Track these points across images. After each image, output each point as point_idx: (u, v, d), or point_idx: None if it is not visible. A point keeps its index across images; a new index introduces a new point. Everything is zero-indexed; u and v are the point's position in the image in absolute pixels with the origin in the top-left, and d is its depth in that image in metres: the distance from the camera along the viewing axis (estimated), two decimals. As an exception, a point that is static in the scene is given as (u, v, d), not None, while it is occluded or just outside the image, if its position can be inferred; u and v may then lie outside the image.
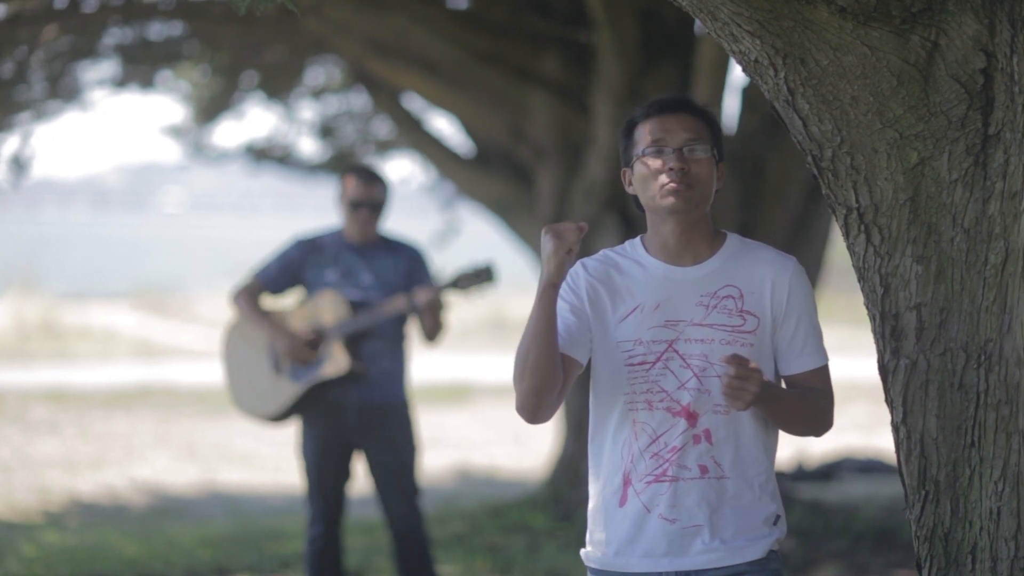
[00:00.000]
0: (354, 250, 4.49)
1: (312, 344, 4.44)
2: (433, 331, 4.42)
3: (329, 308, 4.45)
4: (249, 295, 4.56)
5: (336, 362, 4.39)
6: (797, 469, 7.96)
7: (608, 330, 2.45)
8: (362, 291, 4.44)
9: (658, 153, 2.42)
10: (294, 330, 4.46)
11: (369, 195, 4.47)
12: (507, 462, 9.54)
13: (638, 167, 2.45)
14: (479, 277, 4.39)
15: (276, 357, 4.52)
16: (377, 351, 4.44)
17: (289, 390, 4.46)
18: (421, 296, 4.31)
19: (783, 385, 2.53)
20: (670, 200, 2.41)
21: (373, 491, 4.51)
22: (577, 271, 2.49)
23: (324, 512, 4.45)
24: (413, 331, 4.56)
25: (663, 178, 2.41)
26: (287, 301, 4.68)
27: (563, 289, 2.47)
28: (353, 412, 4.41)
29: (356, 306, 4.42)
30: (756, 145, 5.64)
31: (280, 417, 4.54)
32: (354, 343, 4.40)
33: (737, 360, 2.31)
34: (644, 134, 2.45)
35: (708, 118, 2.48)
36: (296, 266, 4.52)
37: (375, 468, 4.45)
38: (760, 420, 2.46)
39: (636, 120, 2.48)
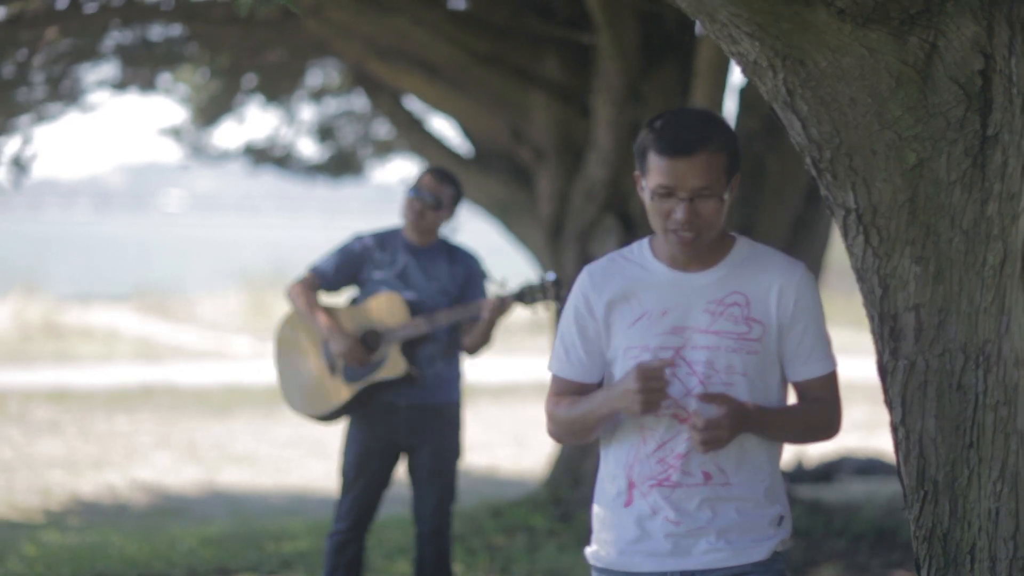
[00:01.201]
0: (412, 251, 4.46)
1: (370, 345, 4.41)
2: (480, 343, 4.39)
3: (388, 310, 4.39)
4: (306, 290, 4.46)
5: (394, 365, 4.35)
6: (797, 469, 7.97)
7: (616, 336, 2.44)
8: (417, 294, 4.42)
9: (667, 197, 2.38)
10: (352, 331, 4.40)
11: (433, 188, 4.44)
12: (507, 462, 9.55)
13: (647, 198, 2.42)
14: (545, 292, 4.35)
15: (331, 356, 4.46)
16: (432, 355, 4.42)
17: (344, 391, 4.42)
18: (489, 307, 4.30)
19: (792, 390, 2.52)
20: (676, 247, 2.40)
21: (411, 489, 4.49)
22: (584, 282, 2.47)
23: (351, 512, 4.43)
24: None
25: (671, 223, 2.38)
26: (338, 299, 4.61)
27: (577, 307, 2.46)
28: (404, 413, 4.40)
29: (415, 310, 4.40)
30: (755, 146, 5.64)
31: (332, 417, 4.49)
32: (410, 347, 4.39)
33: (703, 415, 2.31)
34: (655, 170, 2.38)
35: (723, 145, 2.41)
36: (355, 263, 4.45)
37: (417, 469, 4.44)
38: None
39: (648, 149, 2.40)
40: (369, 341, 4.40)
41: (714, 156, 2.39)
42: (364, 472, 4.42)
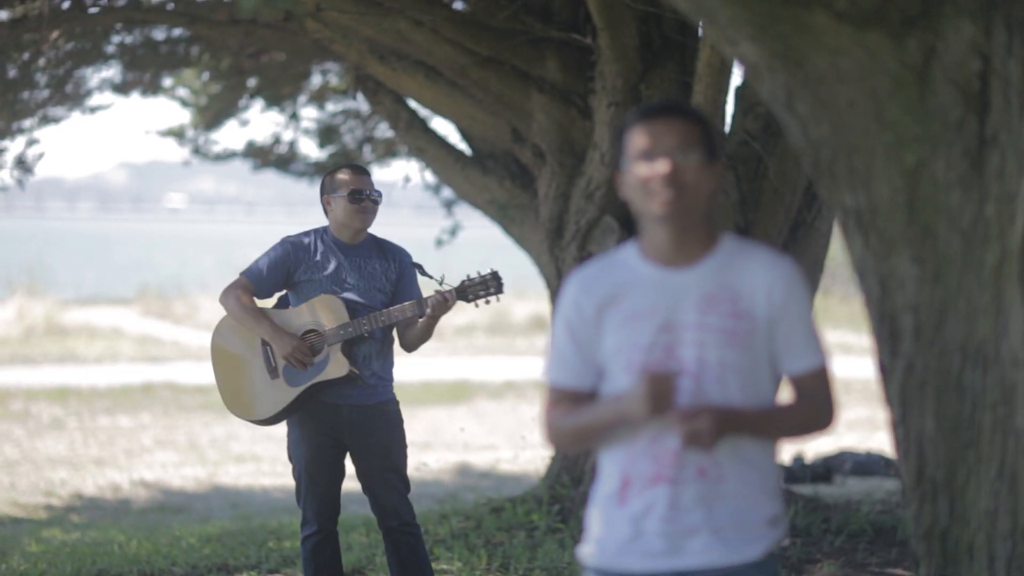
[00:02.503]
0: (344, 250, 4.44)
1: (313, 348, 4.42)
2: (422, 341, 4.42)
3: (327, 312, 4.39)
4: (242, 295, 4.44)
5: (337, 366, 4.37)
6: (796, 466, 7.98)
7: (608, 338, 2.45)
8: (353, 293, 4.42)
9: (647, 161, 2.39)
10: (293, 334, 4.41)
11: (370, 186, 4.45)
12: (507, 460, 9.57)
13: (628, 175, 2.43)
14: (487, 287, 4.38)
15: (271, 359, 4.47)
16: (368, 354, 4.42)
17: (286, 393, 4.43)
18: (432, 305, 4.29)
19: (786, 385, 2.53)
20: (660, 208, 2.39)
21: (363, 490, 4.50)
22: (574, 288, 2.47)
23: (318, 512, 4.43)
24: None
25: (653, 186, 2.38)
26: (271, 301, 4.59)
27: (568, 313, 2.47)
28: (346, 413, 4.40)
29: (354, 310, 4.40)
30: (754, 147, 5.64)
31: (275, 420, 4.51)
32: (348, 347, 4.39)
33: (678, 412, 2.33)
34: (633, 141, 2.42)
35: (699, 119, 2.45)
36: (286, 266, 4.44)
37: (369, 471, 4.44)
38: None
39: (626, 125, 2.45)
40: (314, 344, 4.41)
41: (690, 124, 2.42)
42: (320, 471, 4.42)
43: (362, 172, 4.49)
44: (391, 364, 4.50)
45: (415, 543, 4.46)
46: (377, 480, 4.43)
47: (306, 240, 4.47)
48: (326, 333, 4.39)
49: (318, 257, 4.44)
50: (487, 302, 4.44)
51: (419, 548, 4.47)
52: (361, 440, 4.40)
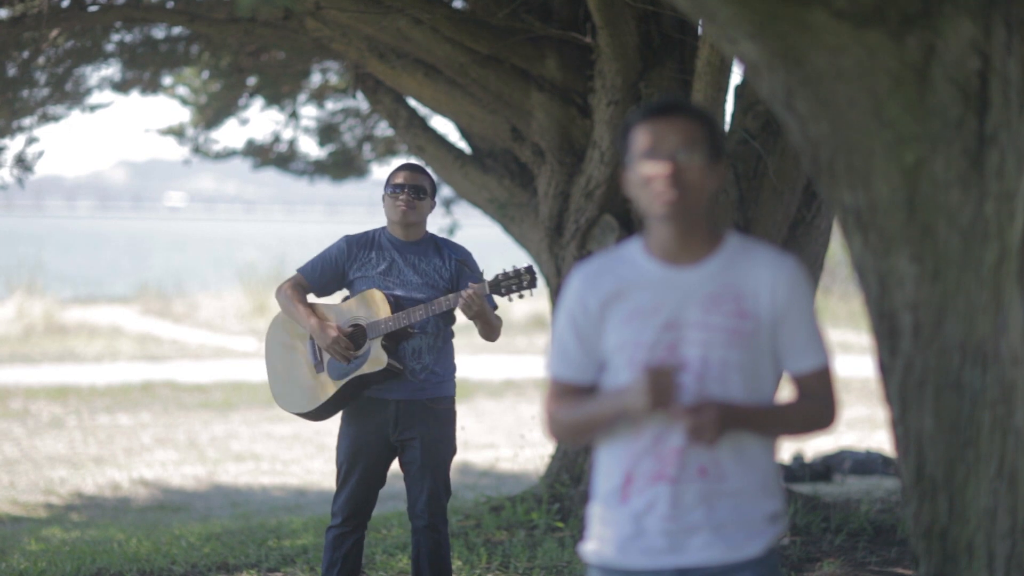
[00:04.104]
0: (399, 248, 4.51)
1: (355, 342, 4.47)
2: (484, 332, 4.46)
3: (370, 306, 4.46)
4: (292, 290, 4.56)
5: (376, 360, 4.40)
6: (796, 465, 7.99)
7: (611, 334, 2.45)
8: (403, 289, 4.46)
9: (650, 160, 2.40)
10: (337, 327, 4.48)
11: (412, 180, 4.49)
12: (507, 458, 9.58)
13: (632, 173, 2.44)
14: (520, 281, 4.41)
15: (316, 353, 4.54)
16: (419, 347, 4.44)
17: (329, 387, 4.49)
18: (464, 300, 4.32)
19: (788, 384, 2.53)
20: (662, 208, 2.40)
21: (405, 485, 4.52)
22: (577, 283, 2.48)
23: (346, 506, 4.46)
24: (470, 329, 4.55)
25: (655, 185, 2.39)
26: (328, 298, 4.68)
27: (571, 308, 2.48)
28: (394, 408, 4.43)
29: (397, 305, 4.44)
30: (754, 145, 5.64)
31: (319, 414, 4.56)
32: (394, 340, 4.42)
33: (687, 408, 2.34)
34: (638, 139, 2.43)
35: (703, 118, 2.46)
36: (341, 263, 4.53)
37: (408, 464, 4.46)
38: None
39: (631, 123, 2.46)
40: (354, 337, 4.47)
41: (693, 123, 2.42)
42: (357, 466, 4.45)
43: (409, 169, 4.55)
44: (449, 361, 4.52)
45: (435, 547, 4.44)
46: (414, 476, 4.45)
47: (364, 238, 4.56)
48: (368, 326, 4.45)
49: (373, 255, 4.51)
50: (520, 296, 4.47)
51: (439, 552, 4.44)
52: (405, 434, 4.43)
